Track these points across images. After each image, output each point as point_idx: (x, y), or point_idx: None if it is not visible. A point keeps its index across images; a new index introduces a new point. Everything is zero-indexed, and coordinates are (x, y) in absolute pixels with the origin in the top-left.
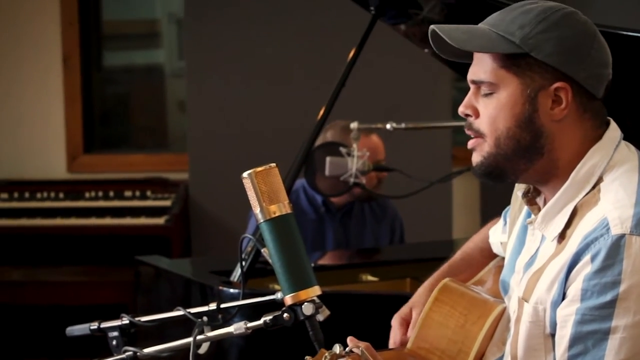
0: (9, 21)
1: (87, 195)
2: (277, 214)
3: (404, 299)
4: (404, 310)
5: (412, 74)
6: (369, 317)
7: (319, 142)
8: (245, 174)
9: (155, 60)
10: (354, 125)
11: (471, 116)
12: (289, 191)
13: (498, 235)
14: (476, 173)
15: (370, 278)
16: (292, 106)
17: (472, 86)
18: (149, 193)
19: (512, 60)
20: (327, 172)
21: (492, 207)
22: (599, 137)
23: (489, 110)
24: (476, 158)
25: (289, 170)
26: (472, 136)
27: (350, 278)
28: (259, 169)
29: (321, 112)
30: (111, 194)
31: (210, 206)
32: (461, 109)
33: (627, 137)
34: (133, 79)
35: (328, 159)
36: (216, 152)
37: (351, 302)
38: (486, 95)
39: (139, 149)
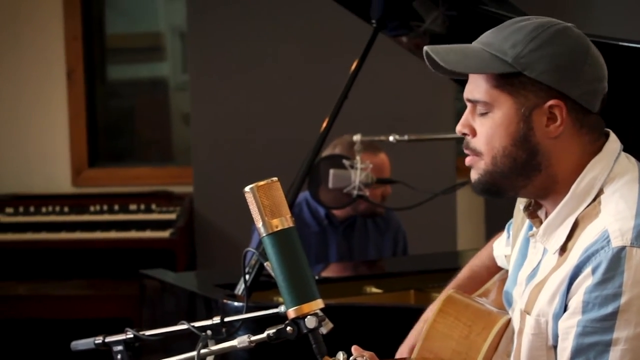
0: (13, 36)
1: (92, 209)
2: (279, 228)
3: (408, 310)
4: (409, 341)
5: (415, 86)
6: (374, 329)
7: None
8: (247, 188)
9: (159, 73)
10: (356, 137)
11: (468, 135)
12: (292, 204)
13: (502, 248)
14: (475, 190)
15: (374, 290)
16: (296, 118)
17: (468, 104)
18: (153, 206)
19: (506, 79)
20: (330, 185)
21: (496, 218)
22: (598, 150)
23: (485, 130)
24: (474, 175)
25: (292, 183)
26: (469, 154)
27: (354, 290)
28: (261, 183)
29: (324, 124)
30: (116, 207)
31: (215, 219)
32: (458, 128)
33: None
34: (137, 92)
35: (331, 171)
36: (221, 165)
37: (355, 315)
38: (482, 114)
39: (144, 162)
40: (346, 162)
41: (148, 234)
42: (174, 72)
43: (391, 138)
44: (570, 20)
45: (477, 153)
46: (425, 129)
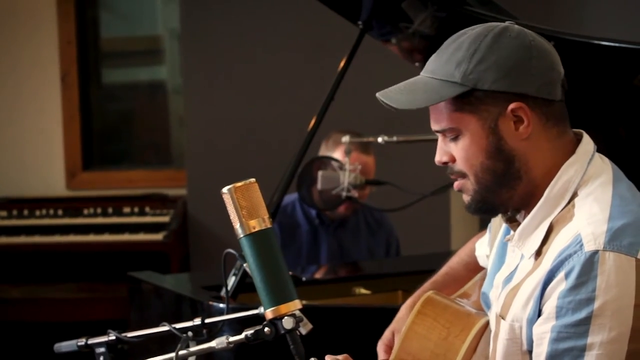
0: (8, 40)
1: (85, 212)
2: (256, 229)
3: (393, 311)
4: (386, 335)
5: None
6: (359, 330)
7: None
8: (224, 190)
9: (157, 76)
10: (345, 139)
11: (448, 162)
12: (279, 204)
13: (484, 248)
14: (469, 211)
15: (362, 291)
16: (291, 121)
17: (438, 135)
18: (147, 209)
19: (462, 100)
20: (319, 186)
21: (490, 218)
22: (570, 147)
23: (460, 153)
24: (465, 198)
25: (278, 184)
26: (456, 179)
27: (343, 291)
28: (239, 184)
29: (311, 125)
30: (110, 210)
31: (209, 222)
32: (437, 159)
33: (620, 146)
34: (134, 96)
35: (320, 172)
36: (214, 168)
37: (341, 316)
38: (452, 140)
39: (139, 165)
40: (335, 164)
41: (141, 236)
42: (172, 75)
43: (380, 139)
44: (563, 19)
45: (462, 175)
46: (419, 130)
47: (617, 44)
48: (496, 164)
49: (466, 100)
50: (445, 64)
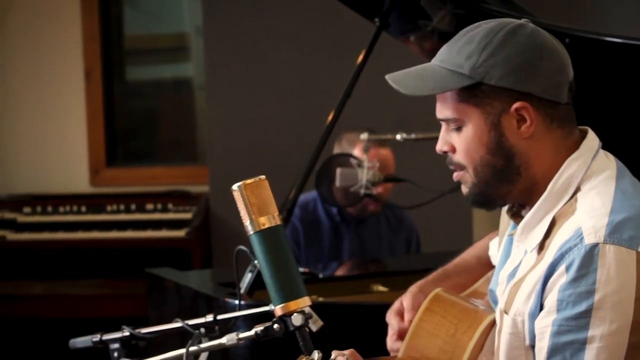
0: (31, 37)
1: (108, 208)
2: (266, 226)
3: None
4: (395, 305)
5: None
6: (372, 327)
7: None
8: (234, 187)
9: (183, 73)
10: (364, 136)
11: (449, 152)
12: (295, 200)
13: (495, 246)
14: (467, 203)
15: (380, 288)
16: (313, 117)
17: (442, 123)
18: (170, 206)
19: (468, 92)
20: (337, 183)
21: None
22: (573, 145)
23: (461, 144)
24: (464, 190)
25: (294, 181)
26: (455, 170)
27: (361, 288)
28: (249, 181)
29: (327, 123)
30: (133, 207)
31: (231, 218)
32: (438, 147)
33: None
34: (159, 93)
35: (338, 170)
36: (237, 164)
37: (354, 313)
38: (455, 130)
39: (162, 162)
40: (353, 161)
41: (164, 233)
42: (199, 72)
43: (398, 136)
44: (583, 16)
45: (460, 167)
46: (433, 128)
47: (634, 42)
48: (496, 159)
49: (472, 92)
50: (456, 54)
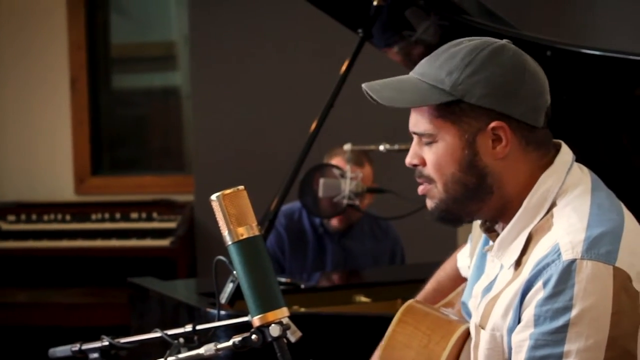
0: (18, 44)
1: (93, 217)
2: (244, 237)
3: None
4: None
5: None
6: (353, 338)
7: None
8: (213, 197)
9: (170, 82)
10: (347, 147)
11: (418, 165)
12: (277, 211)
13: (465, 258)
14: (431, 218)
15: (363, 299)
16: (299, 128)
17: (414, 136)
18: (154, 215)
19: (446, 108)
20: (320, 194)
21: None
22: (549, 163)
23: (432, 158)
24: (429, 204)
25: (278, 190)
26: (422, 183)
27: (343, 299)
28: (227, 191)
29: (310, 133)
30: (117, 215)
31: (215, 228)
32: (407, 160)
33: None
34: (145, 101)
35: (321, 180)
36: (222, 174)
37: (335, 324)
38: (427, 144)
39: (148, 171)
40: (336, 172)
41: (148, 242)
42: (186, 81)
43: (381, 147)
44: (572, 25)
45: (429, 180)
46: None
47: (617, 55)
48: (468, 177)
49: (450, 109)
50: (438, 69)
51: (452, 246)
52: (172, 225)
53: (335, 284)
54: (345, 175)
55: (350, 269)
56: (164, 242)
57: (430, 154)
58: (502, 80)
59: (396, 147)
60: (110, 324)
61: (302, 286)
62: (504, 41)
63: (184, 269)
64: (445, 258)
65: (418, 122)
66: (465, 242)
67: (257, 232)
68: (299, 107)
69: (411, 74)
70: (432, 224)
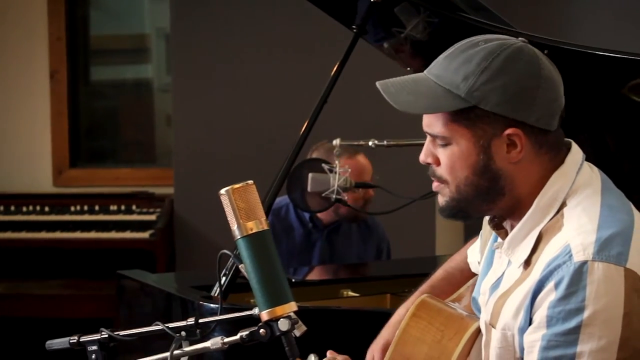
0: None
1: (72, 209)
2: (254, 231)
3: (381, 314)
4: (380, 342)
5: None
6: (348, 333)
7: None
8: (222, 191)
9: (143, 75)
10: (336, 142)
11: (432, 164)
12: (270, 206)
13: (475, 254)
14: (442, 214)
15: (351, 294)
16: (279, 122)
17: (428, 136)
18: (134, 207)
19: (461, 114)
20: (309, 188)
21: (475, 224)
22: (560, 163)
23: (446, 160)
24: (441, 201)
25: (270, 187)
26: (435, 181)
27: (331, 293)
28: (237, 185)
29: (303, 128)
30: (97, 207)
31: (195, 221)
32: (422, 158)
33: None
34: (121, 94)
35: (310, 175)
36: (202, 167)
37: (330, 318)
38: (442, 146)
39: (126, 163)
40: (325, 166)
41: (128, 234)
42: (159, 74)
43: (370, 143)
44: (551, 20)
45: (442, 180)
46: (407, 135)
47: (606, 54)
48: (481, 180)
49: (465, 115)
50: (453, 72)
51: (431, 243)
52: (151, 217)
53: (324, 279)
54: (334, 170)
55: (335, 264)
56: (144, 235)
57: (445, 156)
58: (518, 88)
59: (385, 142)
60: (90, 316)
61: (293, 280)
62: (520, 42)
63: (163, 262)
64: (425, 254)
65: (432, 124)
66: (442, 238)
67: (265, 227)
68: (280, 100)
69: (426, 72)
70: (412, 221)
